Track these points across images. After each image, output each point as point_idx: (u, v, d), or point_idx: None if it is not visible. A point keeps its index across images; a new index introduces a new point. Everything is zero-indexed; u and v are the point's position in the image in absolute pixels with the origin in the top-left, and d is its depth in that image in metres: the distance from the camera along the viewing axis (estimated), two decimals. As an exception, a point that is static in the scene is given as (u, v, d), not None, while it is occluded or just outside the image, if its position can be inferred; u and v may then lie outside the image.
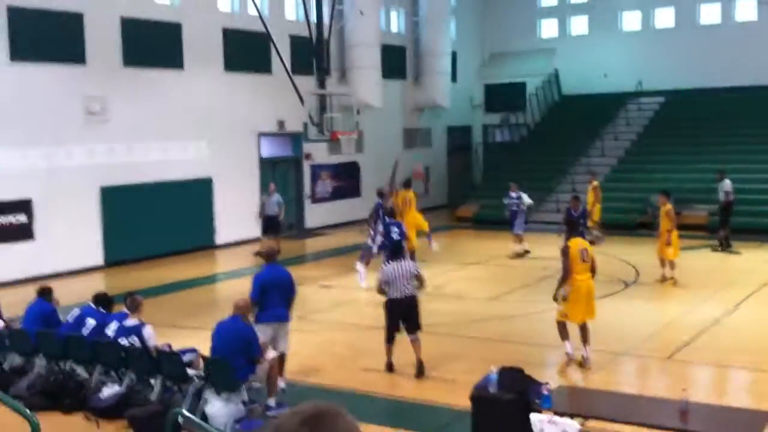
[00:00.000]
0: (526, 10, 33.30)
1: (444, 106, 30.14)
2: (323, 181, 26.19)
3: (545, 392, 8.00)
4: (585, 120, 30.24)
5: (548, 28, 33.66)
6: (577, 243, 11.18)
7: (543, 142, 30.32)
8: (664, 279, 16.25)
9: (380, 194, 17.52)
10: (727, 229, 20.20)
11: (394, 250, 11.63)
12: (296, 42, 24.00)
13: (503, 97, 32.63)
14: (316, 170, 26.03)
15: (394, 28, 29.90)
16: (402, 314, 10.97)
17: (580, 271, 10.98)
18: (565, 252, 11.08)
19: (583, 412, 7.68)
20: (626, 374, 11.44)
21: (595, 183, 22.17)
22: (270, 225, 20.99)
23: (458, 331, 13.21)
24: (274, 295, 10.28)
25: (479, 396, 8.27)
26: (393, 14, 29.86)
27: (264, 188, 23.31)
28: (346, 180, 26.79)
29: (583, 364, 11.02)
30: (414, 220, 17.83)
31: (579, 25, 33.06)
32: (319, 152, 25.76)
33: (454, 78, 31.04)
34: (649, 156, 27.39)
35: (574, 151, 28.69)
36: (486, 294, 16.03)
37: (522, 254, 19.79)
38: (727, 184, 20.39)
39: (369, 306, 15.14)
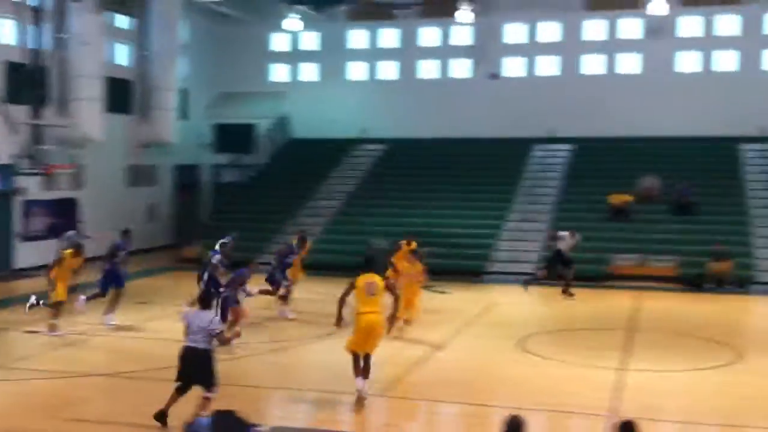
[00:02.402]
0: (257, 53, 33.74)
1: (171, 142, 29.54)
2: (36, 218, 24.46)
3: (257, 434, 7.97)
4: (313, 163, 31.05)
5: (279, 72, 34.32)
6: (366, 277, 11.33)
7: (272, 184, 30.69)
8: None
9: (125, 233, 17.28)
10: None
11: (202, 296, 10.83)
12: (12, 68, 22.42)
13: (233, 137, 32.64)
14: (29, 206, 24.27)
15: (121, 61, 28.92)
16: (188, 365, 10.12)
17: (365, 303, 11.14)
18: (351, 283, 11.31)
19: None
20: (344, 412, 11.69)
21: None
22: None
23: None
24: None
25: (190, 442, 8.06)
26: (120, 46, 28.91)
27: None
28: (62, 217, 25.20)
29: (360, 396, 11.16)
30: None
31: (309, 71, 34.05)
32: (33, 187, 24.10)
33: (184, 115, 30.58)
34: (371, 200, 28.65)
35: (302, 193, 29.34)
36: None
37: None
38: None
39: (83, 351, 14.38)
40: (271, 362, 14.03)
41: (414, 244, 19.58)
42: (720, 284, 22.43)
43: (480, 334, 16.28)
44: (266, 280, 17.56)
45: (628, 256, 24.09)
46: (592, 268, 23.54)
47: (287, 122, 33.34)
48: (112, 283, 16.49)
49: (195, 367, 9.97)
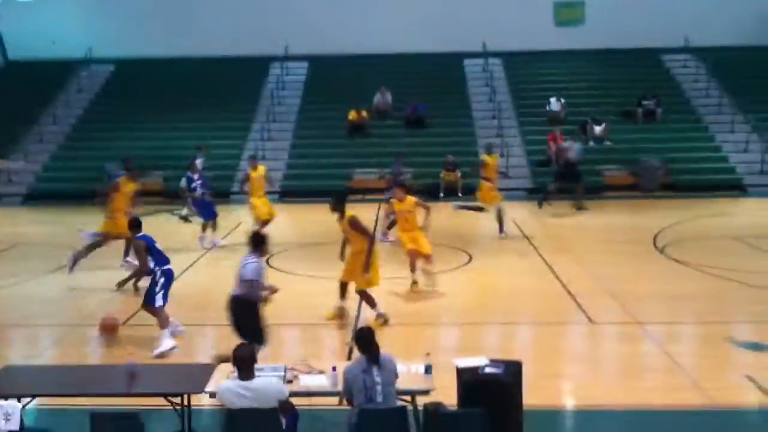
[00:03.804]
0: (-41, -36, 30.29)
1: None
2: None
3: (-16, 378, 7.34)
4: (35, 87, 28.79)
5: (-13, -13, 31.11)
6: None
7: (-11, 110, 28.06)
8: None
9: None
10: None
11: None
12: None
13: (-63, 60, 29.32)
14: None
15: None
16: (231, 315, 8.89)
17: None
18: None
19: (28, 391, 7.20)
20: (79, 346, 11.11)
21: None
22: None
23: None
24: None
25: None
26: None
27: None
28: None
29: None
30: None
31: (24, -14, 31.18)
32: None
33: None
34: (104, 123, 27.17)
35: (26, 119, 27.22)
36: None
37: None
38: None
39: None
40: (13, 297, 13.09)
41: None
42: (452, 193, 23.80)
43: (227, 256, 16.07)
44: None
45: (368, 170, 24.80)
46: (334, 184, 23.97)
47: (2, 43, 30.44)
48: None
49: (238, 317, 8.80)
